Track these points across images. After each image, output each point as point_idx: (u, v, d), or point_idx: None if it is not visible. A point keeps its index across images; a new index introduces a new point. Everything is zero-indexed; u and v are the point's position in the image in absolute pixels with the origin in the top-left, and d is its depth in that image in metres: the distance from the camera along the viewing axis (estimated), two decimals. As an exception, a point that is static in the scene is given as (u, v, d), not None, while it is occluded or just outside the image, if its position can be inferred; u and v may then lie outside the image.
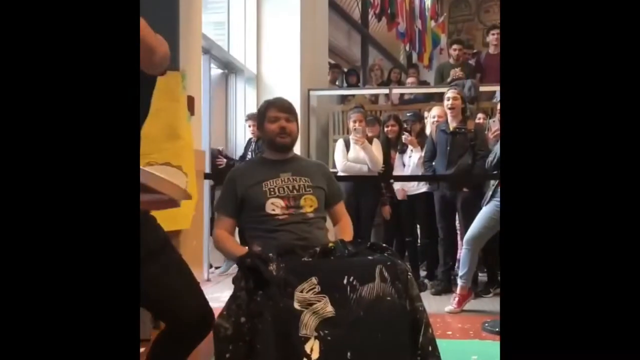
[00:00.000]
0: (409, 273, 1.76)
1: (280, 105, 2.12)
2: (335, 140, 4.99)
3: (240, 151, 5.15)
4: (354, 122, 4.02)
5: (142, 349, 1.93)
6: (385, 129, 4.42)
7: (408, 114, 4.54)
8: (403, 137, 4.21)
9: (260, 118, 2.16)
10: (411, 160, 4.18)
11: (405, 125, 4.36)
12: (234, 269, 3.90)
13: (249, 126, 4.90)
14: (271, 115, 2.10)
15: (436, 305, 3.60)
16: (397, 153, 4.32)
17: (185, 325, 1.53)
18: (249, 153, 4.80)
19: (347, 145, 4.12)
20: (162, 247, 1.51)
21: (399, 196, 4.23)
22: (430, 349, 1.69)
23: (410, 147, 4.20)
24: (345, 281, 1.64)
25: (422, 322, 1.70)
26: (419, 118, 4.50)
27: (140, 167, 1.08)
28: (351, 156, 4.08)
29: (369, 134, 4.23)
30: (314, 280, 1.61)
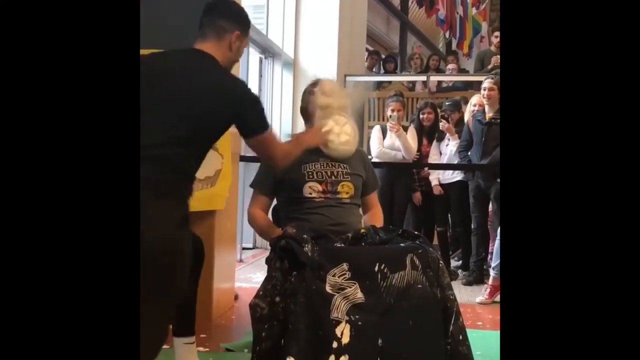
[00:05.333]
0: (441, 261, 1.75)
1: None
2: (370, 127, 4.96)
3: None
4: (392, 110, 3.99)
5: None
6: (421, 116, 4.30)
7: (447, 103, 4.46)
8: (440, 124, 4.15)
9: (304, 100, 2.15)
10: (448, 148, 4.12)
11: (443, 113, 4.29)
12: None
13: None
14: None
15: (467, 296, 3.57)
16: (435, 141, 4.26)
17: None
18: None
19: (384, 133, 4.10)
20: None
21: (435, 191, 4.17)
22: (460, 337, 1.69)
23: (447, 136, 4.14)
24: (376, 269, 1.64)
25: (452, 311, 1.70)
26: (459, 107, 4.41)
27: None
28: (387, 143, 4.06)
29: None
30: (344, 266, 1.62)
